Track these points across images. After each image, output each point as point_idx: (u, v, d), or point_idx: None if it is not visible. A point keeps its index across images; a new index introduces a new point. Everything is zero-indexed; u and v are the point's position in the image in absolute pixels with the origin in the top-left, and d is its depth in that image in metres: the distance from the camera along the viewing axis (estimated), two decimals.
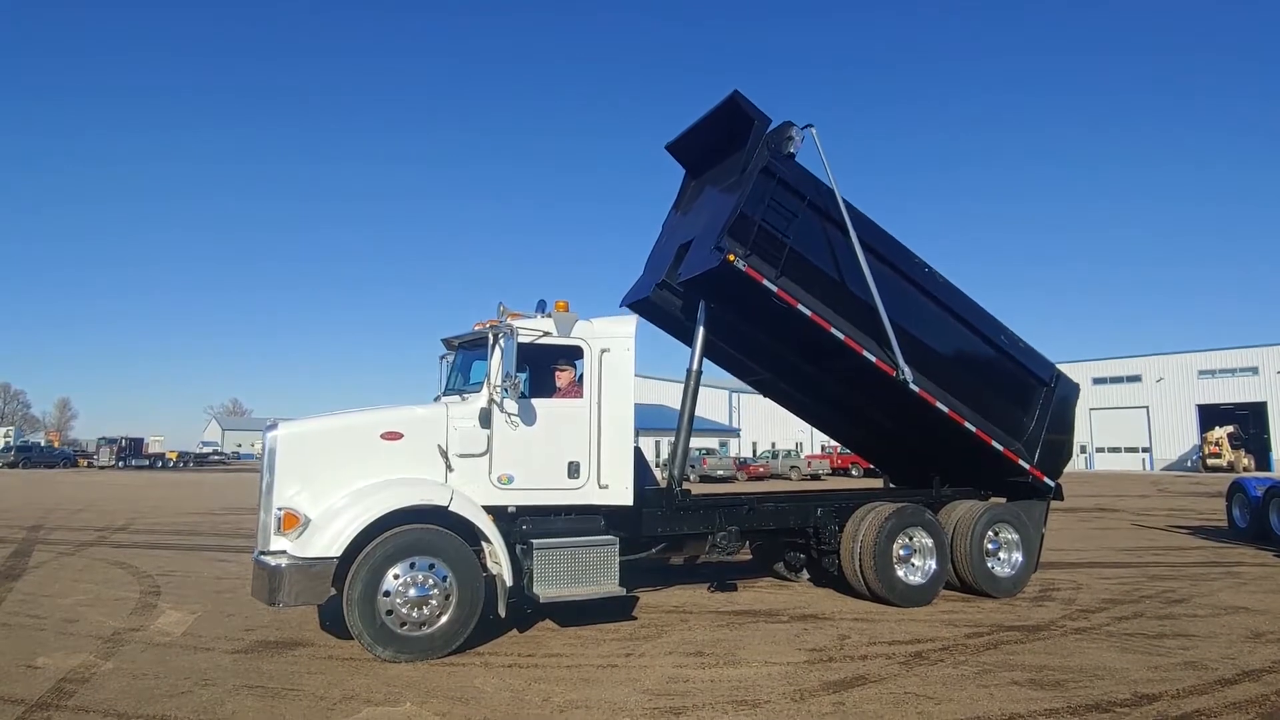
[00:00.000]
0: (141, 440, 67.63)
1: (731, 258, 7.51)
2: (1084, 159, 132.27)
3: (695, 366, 8.41)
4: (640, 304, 9.41)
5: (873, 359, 8.33)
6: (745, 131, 8.09)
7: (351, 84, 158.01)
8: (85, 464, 63.34)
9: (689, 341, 8.67)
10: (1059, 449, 9.70)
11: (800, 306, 7.99)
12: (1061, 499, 9.95)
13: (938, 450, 9.68)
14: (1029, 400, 9.57)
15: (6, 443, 66.64)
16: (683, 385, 8.55)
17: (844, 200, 8.31)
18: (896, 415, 9.43)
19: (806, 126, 8.23)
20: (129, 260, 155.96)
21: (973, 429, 8.89)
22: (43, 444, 71.12)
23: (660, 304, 9.19)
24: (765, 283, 7.76)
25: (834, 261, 8.35)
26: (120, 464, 61.61)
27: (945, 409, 8.70)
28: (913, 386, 8.43)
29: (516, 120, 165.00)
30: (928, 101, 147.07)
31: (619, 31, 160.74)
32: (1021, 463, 9.28)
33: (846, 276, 8.35)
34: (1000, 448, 9.11)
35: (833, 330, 8.16)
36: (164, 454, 68.43)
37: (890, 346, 8.32)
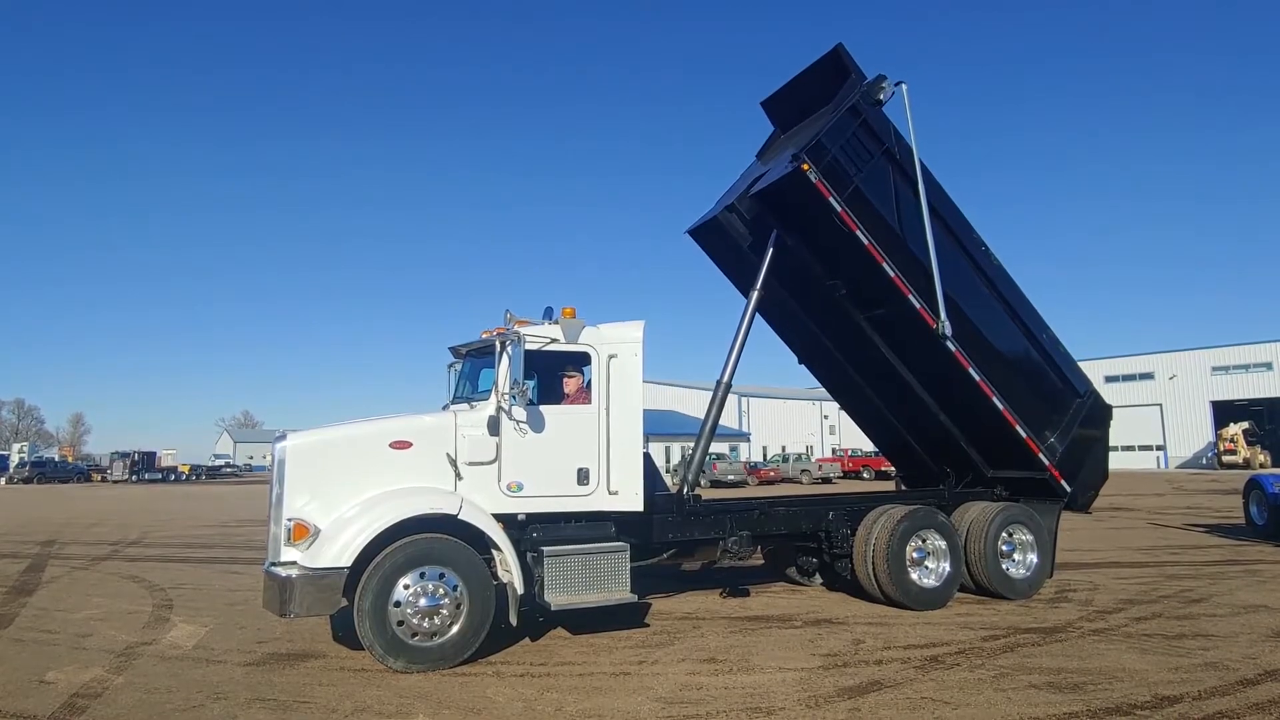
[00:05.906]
0: (154, 454, 67.85)
1: (806, 167, 7.76)
2: (1096, 157, 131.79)
3: (726, 378, 8.58)
4: (705, 229, 9.68)
5: (916, 305, 8.46)
6: (838, 86, 8.40)
7: (356, 91, 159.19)
8: (99, 478, 63.57)
9: (743, 285, 8.90)
10: (1083, 450, 9.62)
11: (858, 232, 8.17)
12: (1075, 508, 9.82)
13: (960, 428, 9.61)
14: (1060, 405, 9.57)
15: (21, 458, 67.03)
16: (711, 394, 8.69)
17: (920, 160, 8.51)
18: (926, 380, 9.39)
19: (899, 83, 8.50)
20: (139, 275, 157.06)
21: (1000, 406, 8.91)
22: (57, 459, 71.49)
23: (726, 228, 9.46)
24: (831, 199, 7.96)
25: (896, 214, 8.57)
26: (134, 478, 61.86)
27: (977, 377, 8.77)
28: (949, 344, 8.50)
29: (522, 126, 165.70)
30: (938, 103, 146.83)
31: (657, 31, 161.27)
32: (1041, 456, 9.22)
33: (906, 231, 8.57)
34: (1023, 434, 9.08)
35: (884, 265, 8.29)
36: (176, 467, 68.69)
37: (936, 304, 8.43)
